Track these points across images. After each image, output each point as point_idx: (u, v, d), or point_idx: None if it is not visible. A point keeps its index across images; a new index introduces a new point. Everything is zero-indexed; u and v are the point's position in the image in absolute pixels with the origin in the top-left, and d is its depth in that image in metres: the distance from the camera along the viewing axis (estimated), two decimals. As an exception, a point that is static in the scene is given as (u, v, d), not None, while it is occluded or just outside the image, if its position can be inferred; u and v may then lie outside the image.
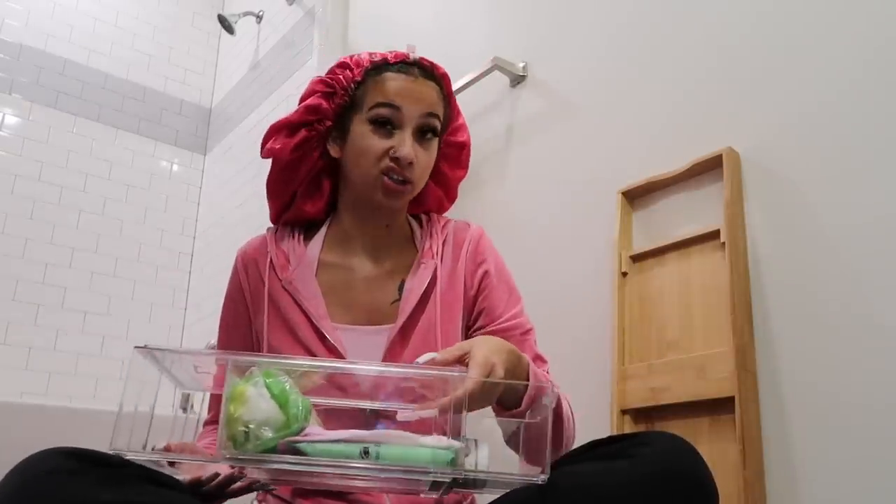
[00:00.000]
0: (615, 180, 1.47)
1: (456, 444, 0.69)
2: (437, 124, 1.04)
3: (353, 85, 1.04)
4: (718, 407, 1.16)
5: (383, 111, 1.00)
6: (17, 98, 2.86)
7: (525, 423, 0.80)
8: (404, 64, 1.03)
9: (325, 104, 1.05)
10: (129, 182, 3.05)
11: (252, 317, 1.06)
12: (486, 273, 1.08)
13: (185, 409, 2.90)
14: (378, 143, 1.00)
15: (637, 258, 1.39)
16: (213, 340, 1.16)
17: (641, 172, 1.42)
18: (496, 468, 0.72)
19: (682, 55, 1.43)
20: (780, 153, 1.22)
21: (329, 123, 1.06)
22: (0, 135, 2.79)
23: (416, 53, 1.05)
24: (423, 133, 1.02)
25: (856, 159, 1.12)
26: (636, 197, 1.45)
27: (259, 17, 3.08)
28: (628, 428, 1.29)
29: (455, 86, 1.87)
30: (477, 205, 1.85)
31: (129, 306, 2.93)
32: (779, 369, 1.14)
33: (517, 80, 1.81)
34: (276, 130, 1.08)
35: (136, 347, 0.73)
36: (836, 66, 1.17)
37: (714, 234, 1.25)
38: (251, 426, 0.68)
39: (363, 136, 1.01)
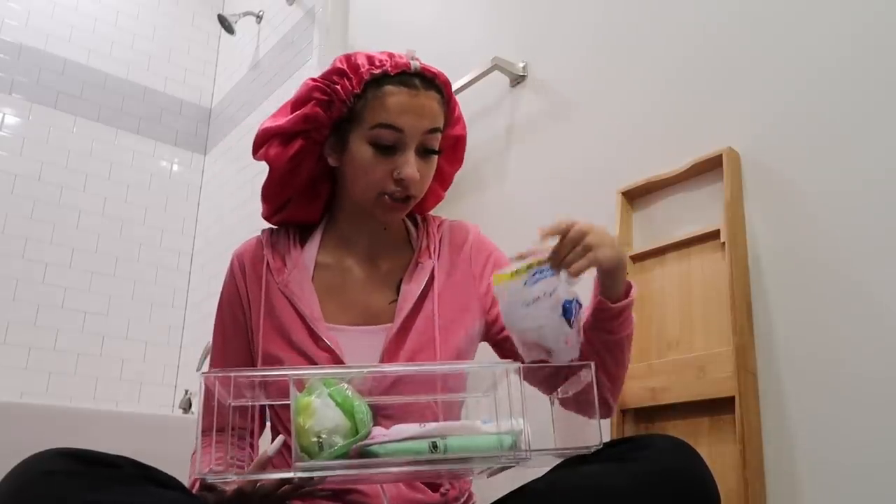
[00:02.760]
0: (615, 180, 1.47)
1: (517, 427, 0.74)
2: (440, 138, 1.02)
3: (351, 98, 0.99)
4: (718, 407, 1.16)
5: (385, 134, 0.97)
6: (17, 98, 2.86)
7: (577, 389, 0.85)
8: (405, 75, 0.98)
9: (322, 114, 1.01)
10: (129, 182, 3.05)
11: (248, 320, 1.05)
12: (496, 265, 1.09)
13: (185, 410, 2.89)
14: (380, 165, 0.98)
15: (637, 258, 1.39)
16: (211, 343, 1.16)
17: (641, 172, 1.42)
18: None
19: (682, 55, 1.43)
20: (780, 153, 1.22)
21: (326, 133, 1.03)
22: (0, 135, 2.80)
23: (417, 60, 1.00)
24: (425, 150, 1.00)
25: (856, 159, 1.12)
26: (636, 197, 1.45)
27: (259, 17, 3.08)
28: (629, 428, 1.29)
29: (455, 86, 1.86)
30: (477, 205, 1.85)
31: (129, 306, 2.92)
32: (779, 369, 1.14)
33: (517, 80, 1.81)
34: (270, 135, 1.05)
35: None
36: (836, 66, 1.17)
37: (714, 234, 1.25)
38: (323, 436, 0.72)
39: (363, 156, 0.98)
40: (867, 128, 1.11)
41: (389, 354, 0.99)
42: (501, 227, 1.65)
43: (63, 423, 1.83)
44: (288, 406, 0.93)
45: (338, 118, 1.01)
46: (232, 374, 0.80)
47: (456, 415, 1.01)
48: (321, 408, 0.73)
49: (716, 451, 1.13)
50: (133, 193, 3.05)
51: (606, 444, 0.78)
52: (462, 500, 1.00)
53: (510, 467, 0.78)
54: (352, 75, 0.99)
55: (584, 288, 0.89)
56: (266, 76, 2.90)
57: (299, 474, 0.72)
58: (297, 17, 2.77)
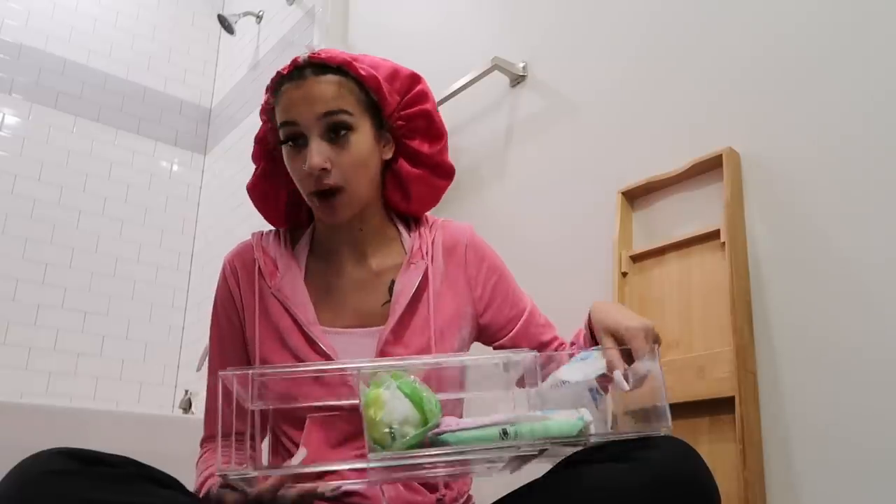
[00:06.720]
0: (615, 180, 1.47)
1: (585, 415, 0.76)
2: (344, 118, 0.97)
3: (271, 111, 1.03)
4: (718, 407, 1.16)
5: (286, 131, 0.98)
6: (17, 98, 2.86)
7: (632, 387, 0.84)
8: (296, 70, 0.99)
9: (269, 133, 1.05)
10: (129, 182, 3.06)
11: (243, 324, 1.05)
12: (490, 270, 1.09)
13: (185, 410, 2.88)
14: (295, 165, 0.98)
15: (637, 258, 1.39)
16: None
17: (641, 172, 1.42)
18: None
19: (681, 55, 1.43)
20: (780, 153, 1.22)
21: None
22: (0, 135, 2.80)
23: (308, 51, 1.01)
24: (331, 133, 0.97)
25: (855, 158, 1.12)
26: (636, 197, 1.45)
27: (259, 17, 3.08)
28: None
29: (455, 86, 1.88)
30: (477, 205, 1.85)
31: (129, 306, 2.93)
32: (779, 369, 1.14)
33: (517, 80, 1.82)
34: (254, 160, 1.11)
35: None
36: (835, 65, 1.17)
37: (714, 234, 1.25)
38: (394, 426, 0.72)
39: (286, 161, 1.00)
40: (866, 127, 1.11)
41: (384, 356, 0.98)
42: (501, 227, 1.65)
43: (63, 423, 1.83)
44: (291, 413, 0.94)
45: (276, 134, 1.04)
46: (249, 372, 0.80)
47: (458, 413, 1.01)
48: (391, 400, 0.74)
49: (716, 451, 1.13)
50: (133, 194, 3.05)
51: (606, 445, 0.78)
52: (461, 501, 1.00)
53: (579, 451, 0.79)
54: (271, 88, 1.03)
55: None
56: (266, 76, 2.88)
57: (374, 464, 0.73)
58: (297, 17, 2.78)
